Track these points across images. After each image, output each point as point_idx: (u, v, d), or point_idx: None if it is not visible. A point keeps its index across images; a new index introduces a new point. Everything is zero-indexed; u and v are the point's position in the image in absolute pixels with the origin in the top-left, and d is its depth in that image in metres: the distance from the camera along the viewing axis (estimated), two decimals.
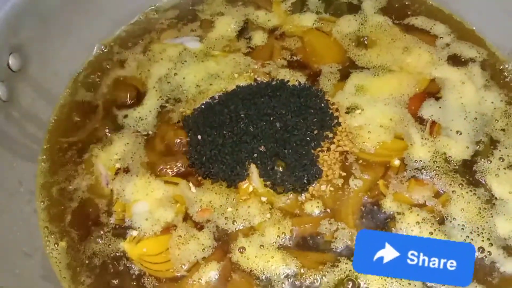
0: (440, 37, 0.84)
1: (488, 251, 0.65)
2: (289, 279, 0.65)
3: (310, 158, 0.71)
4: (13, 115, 0.75)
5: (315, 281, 0.65)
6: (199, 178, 0.73)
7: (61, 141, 0.80)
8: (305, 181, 0.70)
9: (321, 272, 0.65)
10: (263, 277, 0.65)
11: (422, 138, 0.74)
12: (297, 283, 0.65)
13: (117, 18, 0.90)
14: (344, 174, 0.71)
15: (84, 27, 0.85)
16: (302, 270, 0.66)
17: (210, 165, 0.72)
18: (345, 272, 0.65)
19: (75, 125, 0.81)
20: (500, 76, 0.81)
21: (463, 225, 0.67)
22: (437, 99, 0.78)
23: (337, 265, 0.65)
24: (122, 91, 0.84)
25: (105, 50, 0.89)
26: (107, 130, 0.79)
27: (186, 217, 0.71)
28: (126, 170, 0.75)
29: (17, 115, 0.76)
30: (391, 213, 0.68)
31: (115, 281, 0.67)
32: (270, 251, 0.66)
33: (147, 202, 0.72)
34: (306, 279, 0.65)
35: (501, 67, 0.82)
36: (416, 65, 0.81)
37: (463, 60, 0.82)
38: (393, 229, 0.67)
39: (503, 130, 0.76)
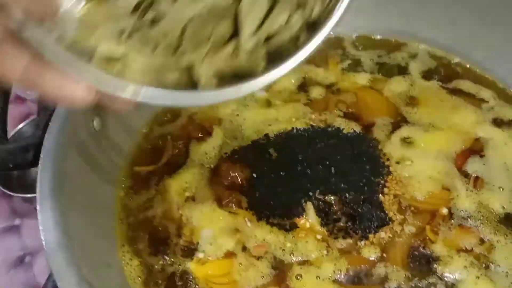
0: (486, 101, 0.93)
1: None
2: None
3: (377, 205, 0.78)
4: (102, 144, 0.86)
5: None
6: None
7: (138, 170, 0.90)
8: (372, 230, 0.76)
9: None
10: None
11: (467, 190, 0.80)
12: None
13: None
14: (403, 217, 0.78)
15: None
16: None
17: (265, 206, 0.80)
18: None
19: (151, 155, 0.91)
20: None
21: (507, 272, 0.72)
22: (481, 156, 0.85)
23: None
24: (191, 129, 0.94)
25: None
26: (177, 163, 0.89)
27: (245, 248, 0.78)
28: (193, 198, 0.84)
29: (105, 144, 0.87)
30: (441, 257, 0.74)
31: None
32: (326, 282, 0.73)
33: (211, 229, 0.80)
34: None
35: None
36: (462, 125, 0.89)
37: (506, 123, 0.90)
38: (442, 273, 0.72)
39: None
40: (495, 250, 0.74)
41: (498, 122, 0.90)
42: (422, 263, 0.74)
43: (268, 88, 1.00)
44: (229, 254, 0.77)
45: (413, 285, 0.72)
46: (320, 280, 0.73)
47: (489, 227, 0.76)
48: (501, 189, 0.81)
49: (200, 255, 0.77)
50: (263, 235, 0.78)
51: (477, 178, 0.82)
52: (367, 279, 0.73)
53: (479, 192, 0.80)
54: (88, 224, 0.77)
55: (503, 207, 0.79)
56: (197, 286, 0.75)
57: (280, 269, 0.75)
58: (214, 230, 0.79)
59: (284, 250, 0.77)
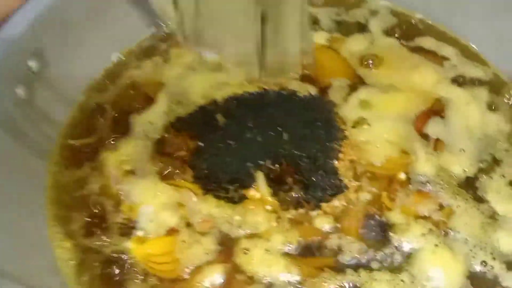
0: (448, 59, 0.87)
1: (491, 265, 0.66)
2: (291, 286, 0.66)
3: (331, 172, 0.72)
4: (30, 114, 0.77)
5: None
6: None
7: (73, 142, 0.81)
8: (326, 199, 0.71)
9: (324, 280, 0.66)
10: (266, 281, 0.66)
11: (426, 154, 0.75)
12: None
13: (138, 28, 0.93)
14: (359, 184, 0.72)
15: (105, 36, 0.88)
16: (305, 278, 0.66)
17: (212, 178, 0.73)
18: (350, 282, 0.65)
19: (87, 128, 0.83)
20: (504, 100, 0.83)
21: (467, 238, 0.68)
22: (443, 117, 0.80)
23: (343, 276, 0.66)
24: (134, 96, 0.86)
25: (123, 58, 0.92)
26: (117, 134, 0.81)
27: (189, 224, 0.71)
28: (134, 172, 0.76)
29: (34, 114, 0.78)
30: (397, 225, 0.69)
31: (118, 279, 0.68)
32: (275, 256, 0.67)
33: (152, 205, 0.73)
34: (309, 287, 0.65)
35: (506, 90, 0.84)
36: (423, 85, 0.83)
37: (469, 82, 0.84)
38: (399, 242, 0.68)
39: (507, 150, 0.77)
40: (454, 216, 0.70)
41: (460, 81, 0.84)
42: (377, 232, 0.69)
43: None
44: (171, 231, 0.70)
45: (368, 256, 0.67)
46: (269, 254, 0.67)
47: (449, 192, 0.72)
48: (462, 151, 0.76)
49: (140, 233, 0.71)
50: (209, 209, 0.72)
51: (437, 140, 0.77)
52: (319, 251, 0.68)
53: (439, 155, 0.75)
54: (11, 202, 0.69)
55: (464, 170, 0.74)
56: (135, 268, 0.68)
57: (227, 245, 0.69)
58: (155, 205, 0.72)
59: (231, 224, 0.70)
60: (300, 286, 0.66)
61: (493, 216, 0.70)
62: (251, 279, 0.66)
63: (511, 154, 0.76)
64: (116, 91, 0.87)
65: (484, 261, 0.66)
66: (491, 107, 0.82)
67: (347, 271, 0.66)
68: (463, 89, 0.83)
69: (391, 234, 0.68)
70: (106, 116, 0.84)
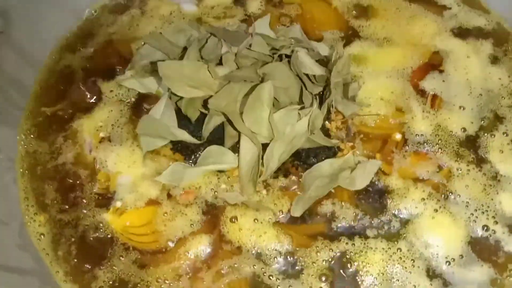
0: (448, 8, 0.80)
1: (493, 230, 0.62)
2: (282, 256, 0.62)
3: (323, 133, 0.66)
4: None
5: (310, 258, 0.62)
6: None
7: (44, 108, 0.75)
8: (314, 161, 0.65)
9: (317, 250, 0.62)
10: (254, 252, 0.62)
11: (423, 111, 0.70)
12: (291, 260, 0.62)
13: None
14: (352, 145, 0.67)
15: None
16: (297, 248, 0.62)
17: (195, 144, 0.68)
18: (344, 251, 0.62)
19: (59, 92, 0.76)
20: (508, 52, 0.77)
21: (468, 202, 0.64)
22: (441, 72, 0.74)
23: (337, 245, 0.62)
24: (108, 57, 0.79)
25: (95, 14, 0.84)
26: (90, 98, 0.75)
27: (171, 195, 0.66)
28: (110, 139, 0.71)
29: (0, 79, 0.72)
30: (395, 190, 0.65)
31: (97, 252, 0.63)
32: (264, 225, 0.63)
33: (131, 175, 0.68)
34: (300, 257, 0.62)
35: (510, 41, 0.78)
36: (421, 37, 0.77)
37: (470, 32, 0.78)
38: (397, 208, 0.64)
39: (510, 107, 0.72)
40: (455, 177, 0.65)
41: (460, 32, 0.78)
42: (374, 198, 0.64)
43: (199, 2, 0.85)
44: (152, 202, 0.66)
45: (364, 223, 0.63)
46: (258, 222, 0.63)
47: (448, 152, 0.67)
48: (462, 108, 0.71)
49: (118, 204, 0.66)
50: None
51: (435, 96, 0.72)
52: (311, 218, 0.64)
53: (437, 113, 0.70)
54: None
55: (464, 129, 0.69)
56: (115, 241, 0.64)
57: (212, 214, 0.65)
58: (134, 176, 0.67)
59: (216, 192, 0.66)
60: (291, 256, 0.62)
61: (495, 177, 0.66)
62: (239, 249, 0.62)
63: None
64: (89, 51, 0.80)
65: (486, 226, 0.62)
66: (494, 59, 0.76)
67: (341, 239, 0.62)
68: (463, 41, 0.77)
69: (388, 199, 0.64)
70: (78, 79, 0.77)
